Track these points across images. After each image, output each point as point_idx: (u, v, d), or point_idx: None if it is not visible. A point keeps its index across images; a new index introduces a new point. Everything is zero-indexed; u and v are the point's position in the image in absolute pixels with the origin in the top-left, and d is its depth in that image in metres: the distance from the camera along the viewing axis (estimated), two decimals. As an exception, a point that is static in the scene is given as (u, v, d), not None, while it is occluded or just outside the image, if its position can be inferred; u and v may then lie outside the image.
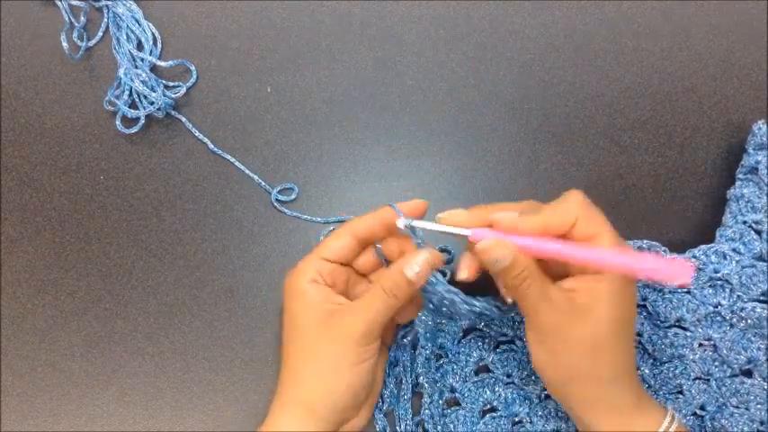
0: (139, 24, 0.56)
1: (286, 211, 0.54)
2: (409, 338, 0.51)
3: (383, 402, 0.51)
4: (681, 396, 0.51)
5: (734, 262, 0.50)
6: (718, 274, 0.50)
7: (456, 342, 0.52)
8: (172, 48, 0.57)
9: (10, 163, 0.55)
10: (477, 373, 0.52)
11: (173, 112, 0.55)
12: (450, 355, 0.51)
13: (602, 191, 0.55)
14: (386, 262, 0.48)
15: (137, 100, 0.55)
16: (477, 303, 0.47)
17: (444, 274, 0.52)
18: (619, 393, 0.43)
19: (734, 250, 0.50)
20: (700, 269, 0.50)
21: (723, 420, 0.49)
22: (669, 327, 0.51)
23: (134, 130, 0.54)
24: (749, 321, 0.49)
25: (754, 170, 0.51)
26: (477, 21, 0.57)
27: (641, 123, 0.56)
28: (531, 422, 0.51)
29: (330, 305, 0.45)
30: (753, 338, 0.49)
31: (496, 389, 0.51)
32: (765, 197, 0.50)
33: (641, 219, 0.54)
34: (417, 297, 0.48)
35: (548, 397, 0.51)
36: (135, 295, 0.54)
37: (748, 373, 0.50)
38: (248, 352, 0.53)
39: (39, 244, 0.54)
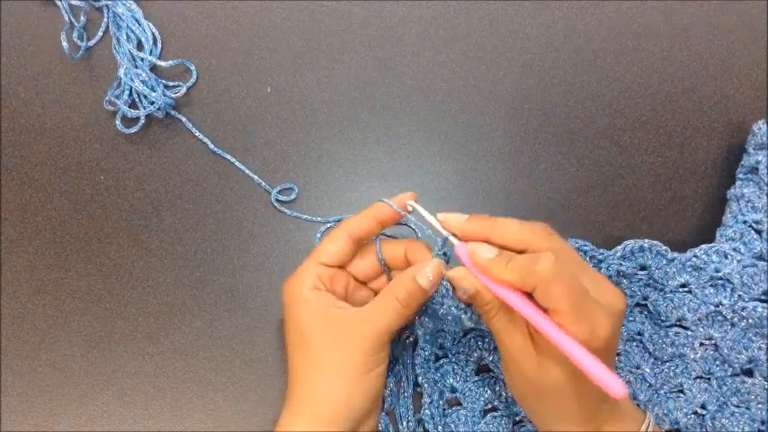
0: (139, 24, 0.56)
1: (286, 211, 0.54)
2: (410, 338, 0.51)
3: (384, 401, 0.51)
4: (682, 395, 0.50)
5: (735, 261, 0.50)
6: (719, 274, 0.50)
7: (456, 342, 0.51)
8: (172, 48, 0.57)
9: (10, 163, 0.55)
10: (477, 373, 0.52)
11: (173, 112, 0.55)
12: (450, 355, 0.51)
13: (602, 191, 0.55)
14: (386, 268, 0.48)
15: (137, 100, 0.55)
16: (484, 324, 0.47)
17: None
18: (587, 407, 0.42)
19: (734, 250, 0.50)
20: (701, 269, 0.50)
21: (724, 420, 0.49)
22: (670, 326, 0.51)
23: (134, 130, 0.54)
24: (750, 321, 0.49)
25: (754, 170, 0.51)
26: (477, 21, 0.57)
27: (641, 123, 0.56)
28: (531, 421, 0.51)
29: (335, 311, 0.45)
30: (754, 338, 0.49)
31: (497, 388, 0.51)
32: (765, 197, 0.50)
33: (641, 219, 0.54)
34: None
35: (548, 396, 0.51)
36: (135, 295, 0.54)
37: (749, 373, 0.50)
38: (248, 352, 0.53)
39: (39, 244, 0.54)
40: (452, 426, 0.50)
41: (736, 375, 0.50)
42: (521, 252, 0.42)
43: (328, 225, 0.54)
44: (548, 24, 0.57)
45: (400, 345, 0.51)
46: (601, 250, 0.50)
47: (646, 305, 0.51)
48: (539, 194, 0.55)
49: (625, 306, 0.42)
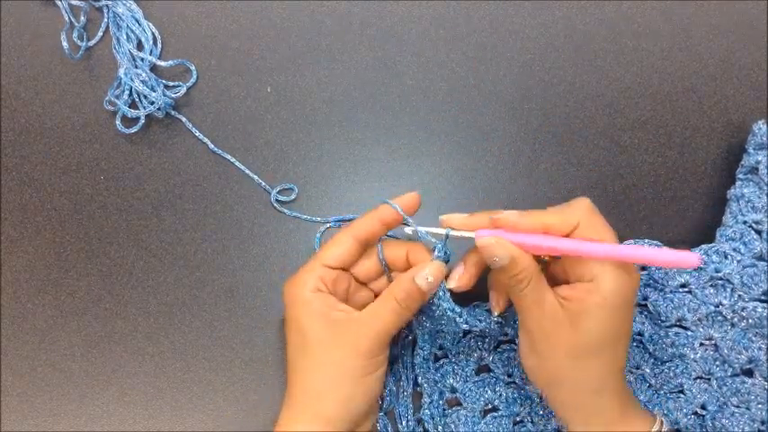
0: (139, 24, 0.56)
1: (286, 211, 0.54)
2: (409, 337, 0.51)
3: (383, 401, 0.51)
4: (682, 395, 0.51)
5: (735, 262, 0.50)
6: (719, 274, 0.50)
7: (456, 342, 0.52)
8: (172, 48, 0.57)
9: (10, 163, 0.55)
10: (477, 373, 0.52)
11: (173, 112, 0.55)
12: (450, 356, 0.51)
13: (602, 191, 0.55)
14: (387, 269, 0.48)
15: (137, 100, 0.55)
16: (478, 324, 0.47)
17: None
18: (603, 403, 0.43)
19: (734, 250, 0.50)
20: (701, 269, 0.50)
21: (724, 420, 0.49)
22: (670, 326, 0.51)
23: (134, 130, 0.54)
24: (750, 321, 0.49)
25: (754, 170, 0.51)
26: (477, 21, 0.57)
27: (641, 123, 0.56)
28: (532, 422, 0.51)
29: (337, 313, 0.45)
30: (754, 338, 0.49)
31: (497, 388, 0.51)
32: (765, 197, 0.50)
33: (641, 219, 0.54)
34: None
35: (548, 396, 0.51)
36: (135, 295, 0.54)
37: (749, 373, 0.50)
38: (248, 352, 0.53)
39: (39, 244, 0.54)
40: (452, 426, 0.50)
41: (737, 375, 0.50)
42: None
43: (328, 225, 0.54)
44: (548, 24, 0.57)
45: (399, 344, 0.51)
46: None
47: (646, 305, 0.51)
48: (539, 194, 0.55)
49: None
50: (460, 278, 0.45)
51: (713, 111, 0.56)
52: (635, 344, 0.51)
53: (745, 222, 0.51)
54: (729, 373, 0.50)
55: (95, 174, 0.55)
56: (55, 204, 0.55)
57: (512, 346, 0.51)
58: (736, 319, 0.50)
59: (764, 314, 0.49)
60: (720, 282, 0.50)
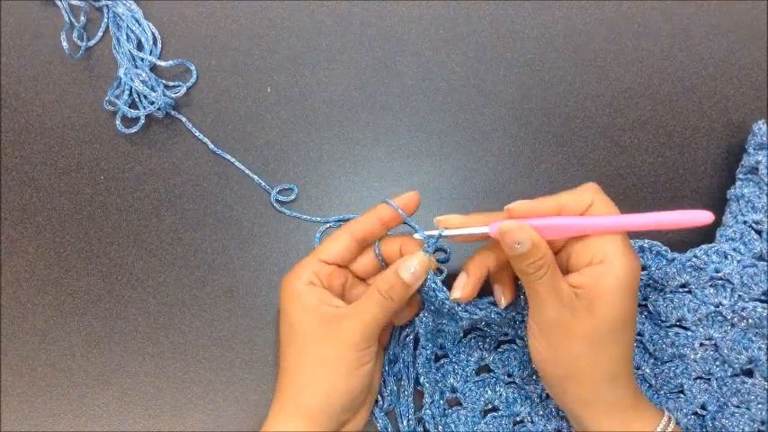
0: (139, 24, 0.56)
1: (286, 211, 0.54)
2: (410, 336, 0.51)
3: (383, 401, 0.51)
4: (682, 395, 0.51)
5: (735, 262, 0.50)
6: (719, 274, 0.50)
7: (457, 342, 0.52)
8: (172, 48, 0.57)
9: (10, 163, 0.55)
10: (478, 373, 0.52)
11: (173, 112, 0.55)
12: (450, 355, 0.51)
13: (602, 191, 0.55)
14: (384, 264, 0.48)
15: (137, 100, 0.55)
16: (478, 311, 0.47)
17: (441, 272, 0.52)
18: (617, 392, 0.43)
19: (734, 250, 0.50)
20: (701, 269, 0.50)
21: (724, 420, 0.49)
22: (670, 326, 0.51)
23: (134, 130, 0.54)
24: (750, 321, 0.49)
25: (754, 170, 0.51)
26: (477, 21, 0.57)
27: (641, 123, 0.56)
28: (532, 422, 0.51)
29: (327, 308, 0.45)
30: (754, 338, 0.49)
31: (497, 388, 0.51)
32: (765, 197, 0.50)
33: (641, 219, 0.54)
34: (414, 298, 0.48)
35: (549, 396, 0.51)
36: (135, 295, 0.54)
37: (749, 373, 0.50)
38: (248, 352, 0.53)
39: (39, 244, 0.54)
40: (452, 426, 0.50)
41: (737, 376, 0.50)
42: None
43: (328, 225, 0.54)
44: (548, 24, 0.57)
45: (401, 344, 0.51)
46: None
47: (646, 305, 0.51)
48: (539, 194, 0.54)
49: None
50: (464, 287, 0.45)
51: (713, 111, 0.56)
52: (635, 344, 0.51)
53: (745, 222, 0.51)
54: (729, 373, 0.50)
55: (95, 174, 0.55)
56: (55, 204, 0.55)
57: (512, 346, 0.51)
58: (736, 319, 0.50)
59: (764, 314, 0.49)
60: (720, 282, 0.50)
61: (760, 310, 0.49)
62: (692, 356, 0.50)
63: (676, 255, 0.50)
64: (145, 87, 0.54)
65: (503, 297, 0.47)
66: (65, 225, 0.55)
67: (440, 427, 0.50)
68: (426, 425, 0.50)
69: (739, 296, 0.49)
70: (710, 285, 0.50)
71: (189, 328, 0.53)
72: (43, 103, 0.56)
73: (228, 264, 0.54)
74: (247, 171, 0.55)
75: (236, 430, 0.52)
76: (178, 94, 0.55)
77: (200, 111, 0.56)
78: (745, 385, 0.50)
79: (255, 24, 0.57)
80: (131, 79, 0.54)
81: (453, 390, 0.51)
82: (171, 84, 0.56)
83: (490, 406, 0.51)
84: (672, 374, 0.50)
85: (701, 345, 0.50)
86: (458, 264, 0.53)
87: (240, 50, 0.57)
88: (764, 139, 0.50)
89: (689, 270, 0.50)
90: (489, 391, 0.51)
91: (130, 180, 0.55)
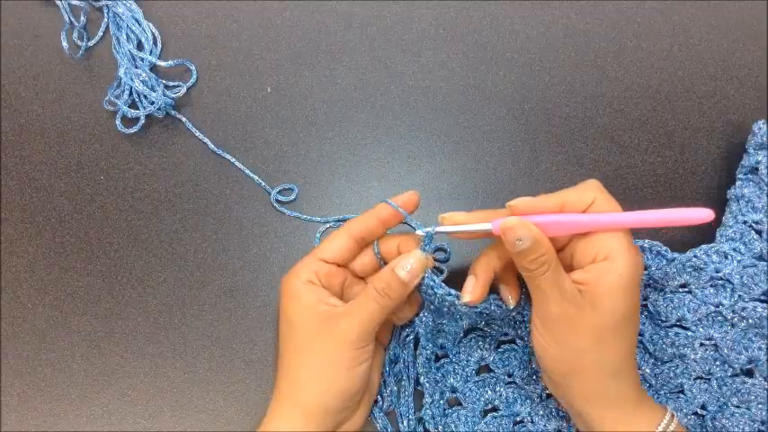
0: (139, 24, 0.56)
1: (286, 211, 0.54)
2: (411, 336, 0.51)
3: (383, 401, 0.51)
4: (682, 395, 0.51)
5: (735, 261, 0.50)
6: (719, 274, 0.50)
7: (457, 342, 0.51)
8: (172, 48, 0.57)
9: (10, 163, 0.55)
10: (478, 373, 0.52)
11: (173, 112, 0.55)
12: (451, 355, 0.51)
13: (602, 191, 0.55)
14: (383, 263, 0.48)
15: (137, 100, 0.55)
16: (477, 306, 0.47)
17: (441, 272, 0.52)
18: (620, 387, 0.43)
19: (734, 250, 0.50)
20: (701, 269, 0.50)
21: (724, 420, 0.49)
22: (670, 326, 0.51)
23: (134, 130, 0.54)
24: (750, 321, 0.49)
25: (754, 170, 0.51)
26: (477, 21, 0.57)
27: (641, 123, 0.56)
28: (532, 422, 0.51)
29: (325, 306, 0.45)
30: (754, 338, 0.49)
31: (498, 388, 0.51)
32: (765, 197, 0.50)
33: (641, 219, 0.54)
34: (414, 298, 0.48)
35: (549, 396, 0.51)
36: (135, 295, 0.54)
37: (749, 373, 0.50)
38: (248, 352, 0.53)
39: (39, 244, 0.54)
40: (452, 426, 0.50)
41: (737, 376, 0.50)
42: None
43: (328, 225, 0.54)
44: (548, 24, 0.57)
45: (401, 344, 0.51)
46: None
47: (646, 305, 0.51)
48: (539, 194, 0.55)
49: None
50: (474, 289, 0.45)
51: (713, 111, 0.56)
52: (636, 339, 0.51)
53: (745, 222, 0.51)
54: (729, 373, 0.50)
55: (95, 174, 0.55)
56: (55, 204, 0.55)
57: (512, 346, 0.51)
58: (736, 319, 0.50)
59: (764, 314, 0.49)
60: (720, 282, 0.50)
61: (760, 310, 0.49)
62: (692, 356, 0.50)
63: (676, 255, 0.50)
64: (145, 87, 0.54)
65: (510, 297, 0.47)
66: (65, 225, 0.55)
67: (440, 427, 0.50)
68: (426, 425, 0.50)
69: (739, 296, 0.49)
70: (710, 285, 0.50)
71: (189, 328, 0.53)
72: (43, 103, 0.56)
73: (228, 264, 0.54)
74: (247, 171, 0.55)
75: (236, 430, 0.52)
76: (178, 94, 0.55)
77: (200, 111, 0.56)
78: (746, 385, 0.50)
79: (255, 24, 0.57)
80: (131, 79, 0.54)
81: (453, 390, 0.51)
82: (171, 84, 0.56)
83: (490, 406, 0.51)
84: (672, 374, 0.50)
85: (701, 345, 0.50)
86: (458, 263, 0.53)
87: (240, 50, 0.57)
88: (764, 139, 0.50)
89: (689, 270, 0.50)
90: (489, 391, 0.51)
91: (130, 180, 0.55)
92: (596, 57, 0.57)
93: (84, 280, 0.54)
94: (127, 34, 0.56)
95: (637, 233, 0.53)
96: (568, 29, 0.57)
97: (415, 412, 0.51)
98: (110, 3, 0.56)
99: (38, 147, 0.56)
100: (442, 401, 0.51)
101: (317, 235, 0.54)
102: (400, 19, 0.57)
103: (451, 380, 0.51)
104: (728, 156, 0.55)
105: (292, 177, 0.55)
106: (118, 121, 0.54)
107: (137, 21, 0.56)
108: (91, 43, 0.57)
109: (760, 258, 0.50)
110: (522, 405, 0.51)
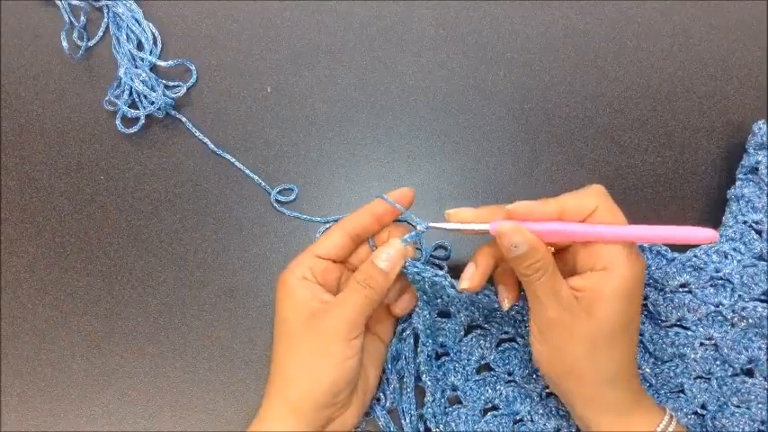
0: (139, 24, 0.56)
1: (286, 211, 0.54)
2: (408, 331, 0.51)
3: (385, 399, 0.51)
4: (682, 395, 0.50)
5: (735, 261, 0.50)
6: (720, 274, 0.50)
7: (457, 340, 0.51)
8: (172, 48, 0.57)
9: (10, 163, 0.55)
10: (478, 372, 0.52)
11: (173, 112, 0.55)
12: (451, 354, 0.51)
13: (602, 191, 0.55)
14: None
15: (137, 100, 0.55)
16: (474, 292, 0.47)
17: (441, 269, 0.52)
18: (617, 393, 0.43)
19: (734, 250, 0.50)
20: (701, 269, 0.50)
21: (724, 419, 0.49)
22: (670, 326, 0.51)
23: (134, 130, 0.54)
24: (750, 321, 0.49)
25: (754, 170, 0.51)
26: (477, 21, 0.57)
27: (641, 123, 0.56)
28: (532, 420, 0.51)
29: (317, 303, 0.45)
30: (754, 338, 0.49)
31: (498, 387, 0.51)
32: (765, 197, 0.50)
33: (641, 219, 0.54)
34: (413, 288, 0.48)
35: (549, 395, 0.51)
36: (135, 295, 0.54)
37: (749, 373, 0.50)
38: (248, 352, 0.53)
39: (39, 244, 0.54)
40: (453, 424, 0.50)
41: (737, 375, 0.50)
42: None
43: (328, 225, 0.54)
44: (548, 24, 0.57)
45: (401, 342, 0.51)
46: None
47: (646, 305, 0.51)
48: (539, 194, 0.54)
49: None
50: (472, 277, 0.45)
51: (713, 111, 0.56)
52: (636, 346, 0.51)
53: (745, 222, 0.51)
54: (729, 373, 0.50)
55: (95, 174, 0.55)
56: (55, 204, 0.55)
57: (512, 344, 0.51)
58: (736, 319, 0.50)
59: (764, 314, 0.49)
60: (720, 282, 0.50)
61: (760, 309, 0.49)
62: (692, 356, 0.50)
63: (676, 255, 0.50)
64: (145, 87, 0.54)
65: (506, 299, 0.47)
66: (65, 225, 0.55)
67: (441, 425, 0.50)
68: (427, 423, 0.50)
69: (739, 296, 0.49)
70: (710, 285, 0.50)
71: (189, 328, 0.53)
72: (43, 103, 0.56)
73: (228, 264, 0.54)
74: (247, 171, 0.55)
75: (236, 430, 0.52)
76: (178, 94, 0.55)
77: (200, 111, 0.56)
78: (746, 385, 0.50)
79: (255, 24, 0.57)
80: (131, 79, 0.54)
81: (454, 388, 0.51)
82: (171, 84, 0.56)
83: (490, 404, 0.51)
84: (672, 374, 0.50)
85: (702, 344, 0.50)
86: (457, 261, 0.53)
87: (240, 50, 0.57)
88: (764, 139, 0.50)
89: (689, 270, 0.50)
90: (490, 390, 0.51)
91: (130, 180, 0.55)
92: (596, 57, 0.57)
93: (84, 280, 0.54)
94: (127, 34, 0.56)
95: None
96: (568, 29, 0.57)
97: (417, 409, 0.51)
98: (110, 3, 0.56)
99: (38, 147, 0.56)
100: (443, 400, 0.51)
101: (317, 235, 0.54)
102: (400, 19, 0.57)
103: (452, 378, 0.51)
104: (728, 156, 0.55)
105: (292, 177, 0.55)
106: (118, 121, 0.54)
107: (137, 21, 0.56)
108: (91, 43, 0.57)
109: (760, 258, 0.50)
110: (521, 404, 0.51)
